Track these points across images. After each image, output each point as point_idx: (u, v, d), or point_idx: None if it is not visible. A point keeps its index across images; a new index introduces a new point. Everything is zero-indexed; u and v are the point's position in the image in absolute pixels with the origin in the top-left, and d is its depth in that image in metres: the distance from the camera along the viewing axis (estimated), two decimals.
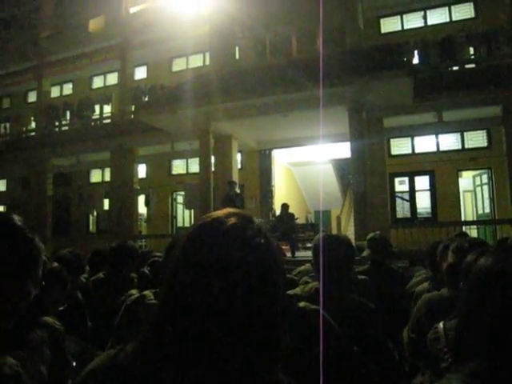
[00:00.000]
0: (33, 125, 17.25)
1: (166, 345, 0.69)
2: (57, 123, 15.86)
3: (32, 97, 18.57)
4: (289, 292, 1.95)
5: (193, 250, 0.72)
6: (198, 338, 0.67)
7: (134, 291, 2.62)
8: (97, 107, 15.43)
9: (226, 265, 0.68)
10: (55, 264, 2.35)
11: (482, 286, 0.87)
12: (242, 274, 0.68)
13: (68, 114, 15.55)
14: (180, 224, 15.80)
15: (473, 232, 12.53)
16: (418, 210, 12.90)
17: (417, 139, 13.01)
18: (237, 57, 13.01)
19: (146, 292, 2.13)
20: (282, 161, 16.57)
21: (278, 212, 11.95)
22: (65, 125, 15.84)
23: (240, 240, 0.71)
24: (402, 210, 13.07)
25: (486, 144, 12.41)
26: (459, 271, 1.74)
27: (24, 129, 17.14)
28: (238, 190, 10.99)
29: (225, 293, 0.66)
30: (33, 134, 16.72)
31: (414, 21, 13.54)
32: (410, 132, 12.45)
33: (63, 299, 2.29)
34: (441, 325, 1.68)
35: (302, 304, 1.61)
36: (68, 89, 18.58)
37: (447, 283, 2.30)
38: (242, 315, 0.67)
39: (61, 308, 2.23)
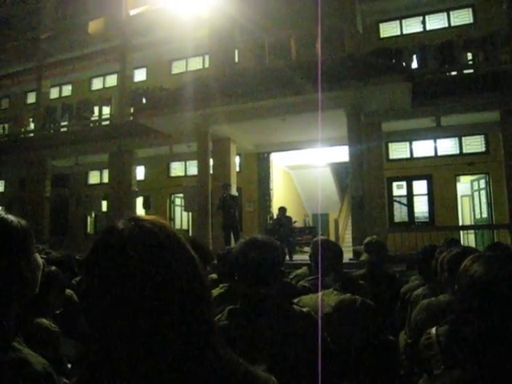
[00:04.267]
0: (32, 126, 17.22)
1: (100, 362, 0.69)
2: (56, 124, 15.84)
3: (31, 98, 18.54)
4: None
5: (96, 259, 0.71)
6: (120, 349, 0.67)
7: None
8: (96, 109, 15.42)
9: (128, 273, 0.66)
10: (53, 267, 2.35)
11: (471, 295, 0.88)
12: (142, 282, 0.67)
13: (67, 115, 15.53)
14: (178, 226, 15.77)
15: (470, 237, 12.57)
16: (416, 215, 12.89)
17: (415, 144, 13.02)
18: (236, 60, 13.05)
19: None
20: (281, 164, 16.58)
21: (275, 215, 11.95)
22: (64, 126, 15.81)
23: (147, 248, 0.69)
24: (400, 214, 13.06)
25: (483, 149, 12.43)
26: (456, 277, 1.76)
27: (23, 130, 17.11)
28: (233, 192, 10.96)
29: (127, 297, 0.66)
30: (31, 135, 16.69)
31: (413, 26, 13.59)
32: (408, 136, 12.47)
33: (60, 302, 2.29)
34: (433, 330, 1.67)
35: (296, 307, 1.64)
36: (67, 90, 18.58)
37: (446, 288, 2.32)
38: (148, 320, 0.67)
39: (57, 311, 2.24)
